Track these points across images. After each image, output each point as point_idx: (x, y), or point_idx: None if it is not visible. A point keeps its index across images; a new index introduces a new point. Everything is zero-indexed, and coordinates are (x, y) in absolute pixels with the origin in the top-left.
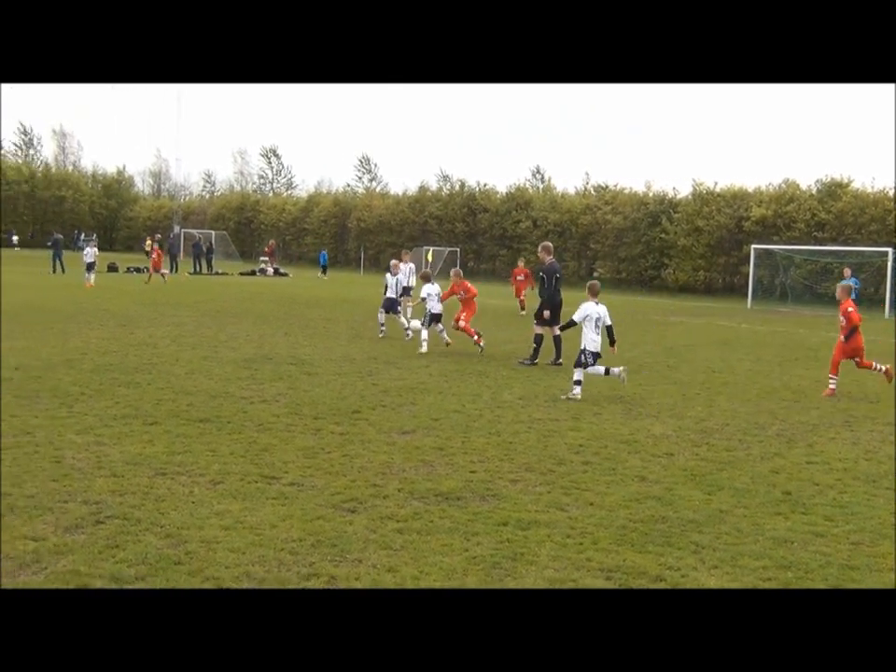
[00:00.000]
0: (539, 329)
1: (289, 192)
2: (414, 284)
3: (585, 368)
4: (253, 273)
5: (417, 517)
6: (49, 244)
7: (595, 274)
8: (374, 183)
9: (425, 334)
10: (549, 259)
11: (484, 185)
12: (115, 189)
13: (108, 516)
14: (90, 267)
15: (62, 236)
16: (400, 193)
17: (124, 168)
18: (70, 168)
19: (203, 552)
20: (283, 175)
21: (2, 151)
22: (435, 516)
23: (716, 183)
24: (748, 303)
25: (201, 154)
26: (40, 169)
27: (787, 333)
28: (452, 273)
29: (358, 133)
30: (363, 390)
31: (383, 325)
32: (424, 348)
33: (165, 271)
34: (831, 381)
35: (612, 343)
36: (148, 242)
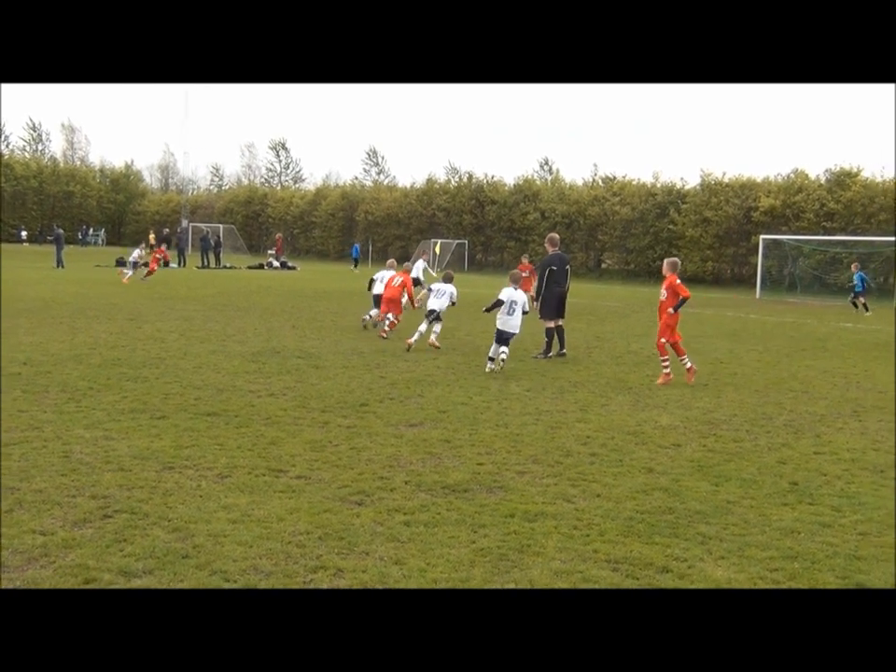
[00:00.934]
0: (547, 324)
1: (297, 186)
2: (423, 278)
3: (497, 342)
4: (261, 266)
5: (424, 509)
6: (51, 238)
7: (604, 265)
8: (382, 176)
9: (422, 327)
10: (551, 250)
11: (492, 177)
12: (123, 183)
13: (116, 510)
14: (133, 265)
15: (62, 231)
16: (408, 186)
17: (132, 162)
18: (78, 163)
19: (210, 545)
20: (291, 169)
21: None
22: (442, 508)
23: (724, 173)
24: (756, 294)
25: (208, 148)
26: (48, 164)
27: (795, 324)
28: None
29: (366, 126)
30: (370, 383)
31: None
32: (413, 337)
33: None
34: (664, 365)
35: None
36: (151, 236)
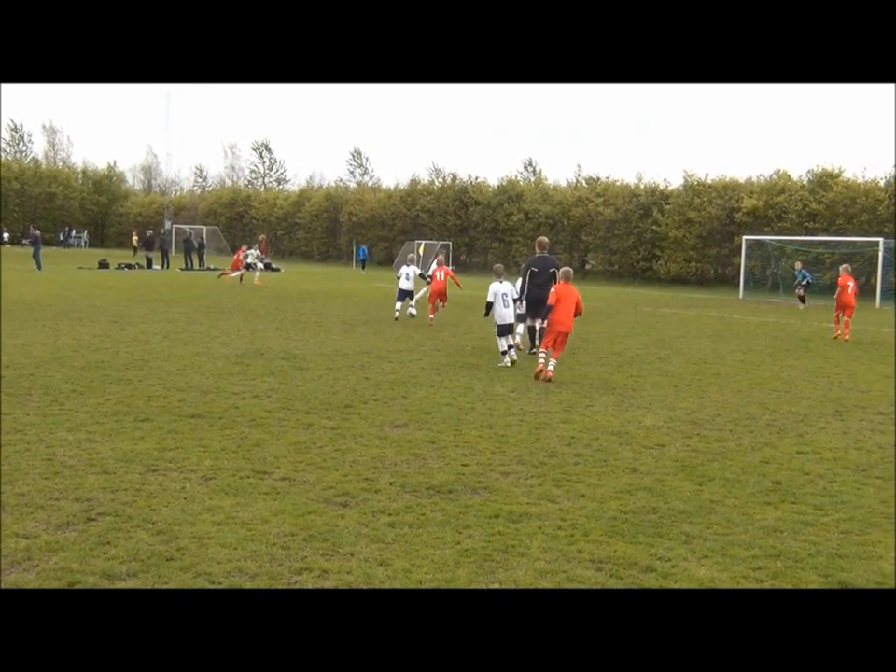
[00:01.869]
0: (528, 322)
1: (281, 187)
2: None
3: (500, 336)
4: (248, 267)
5: (409, 510)
6: (29, 241)
7: (588, 266)
8: (366, 177)
9: (398, 305)
10: (538, 253)
11: (476, 178)
12: (105, 184)
13: (100, 513)
14: (251, 266)
15: (39, 232)
16: (392, 187)
17: (115, 164)
18: (60, 164)
19: (194, 547)
20: (275, 170)
21: None
22: (427, 509)
23: (707, 174)
24: (739, 294)
25: (191, 149)
26: (30, 166)
27: (778, 324)
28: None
29: (350, 127)
30: (355, 384)
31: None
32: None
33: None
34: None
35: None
36: (135, 238)
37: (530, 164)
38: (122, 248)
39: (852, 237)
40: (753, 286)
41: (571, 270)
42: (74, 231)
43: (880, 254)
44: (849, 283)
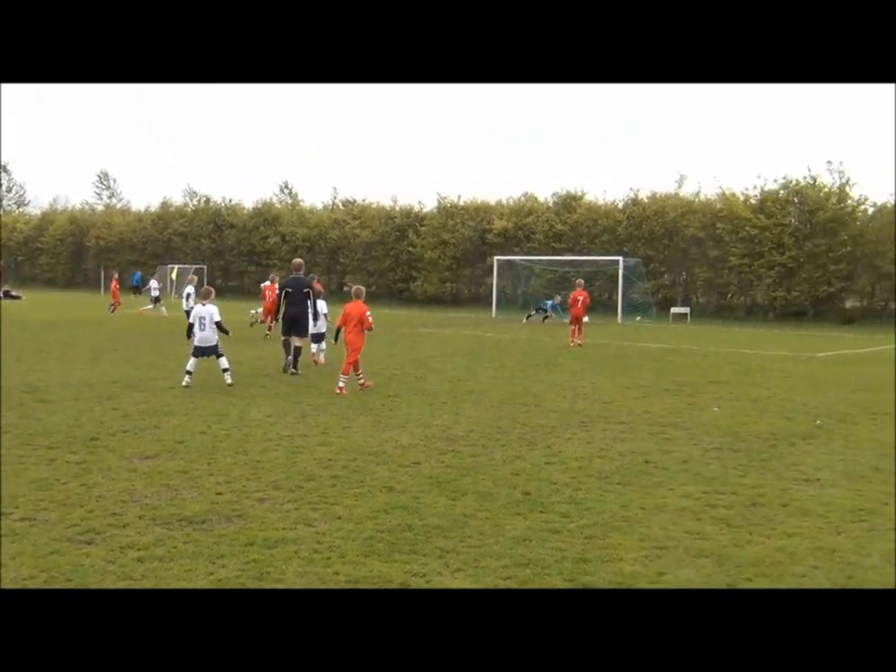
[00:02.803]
0: (284, 338)
1: (21, 210)
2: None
3: (194, 356)
4: None
5: (160, 544)
6: None
7: (346, 289)
8: (114, 199)
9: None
10: (293, 274)
11: (230, 200)
12: None
13: None
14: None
15: None
16: (143, 209)
17: None
18: None
19: None
20: (14, 192)
21: None
22: (178, 541)
23: (459, 196)
24: (493, 313)
25: None
26: None
27: (529, 341)
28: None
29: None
30: (102, 416)
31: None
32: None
33: None
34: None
35: (225, 332)
36: None
37: (286, 187)
38: None
39: (595, 256)
40: (505, 304)
41: (363, 288)
42: None
43: (620, 271)
44: (579, 297)
